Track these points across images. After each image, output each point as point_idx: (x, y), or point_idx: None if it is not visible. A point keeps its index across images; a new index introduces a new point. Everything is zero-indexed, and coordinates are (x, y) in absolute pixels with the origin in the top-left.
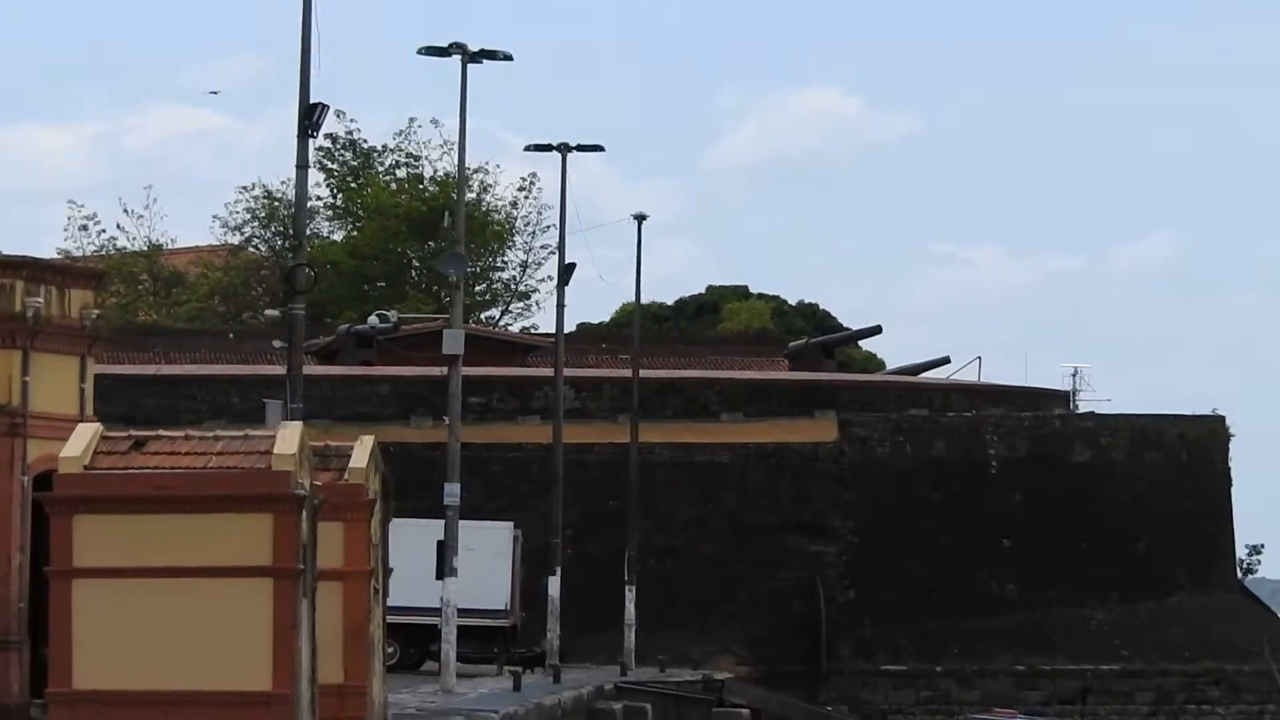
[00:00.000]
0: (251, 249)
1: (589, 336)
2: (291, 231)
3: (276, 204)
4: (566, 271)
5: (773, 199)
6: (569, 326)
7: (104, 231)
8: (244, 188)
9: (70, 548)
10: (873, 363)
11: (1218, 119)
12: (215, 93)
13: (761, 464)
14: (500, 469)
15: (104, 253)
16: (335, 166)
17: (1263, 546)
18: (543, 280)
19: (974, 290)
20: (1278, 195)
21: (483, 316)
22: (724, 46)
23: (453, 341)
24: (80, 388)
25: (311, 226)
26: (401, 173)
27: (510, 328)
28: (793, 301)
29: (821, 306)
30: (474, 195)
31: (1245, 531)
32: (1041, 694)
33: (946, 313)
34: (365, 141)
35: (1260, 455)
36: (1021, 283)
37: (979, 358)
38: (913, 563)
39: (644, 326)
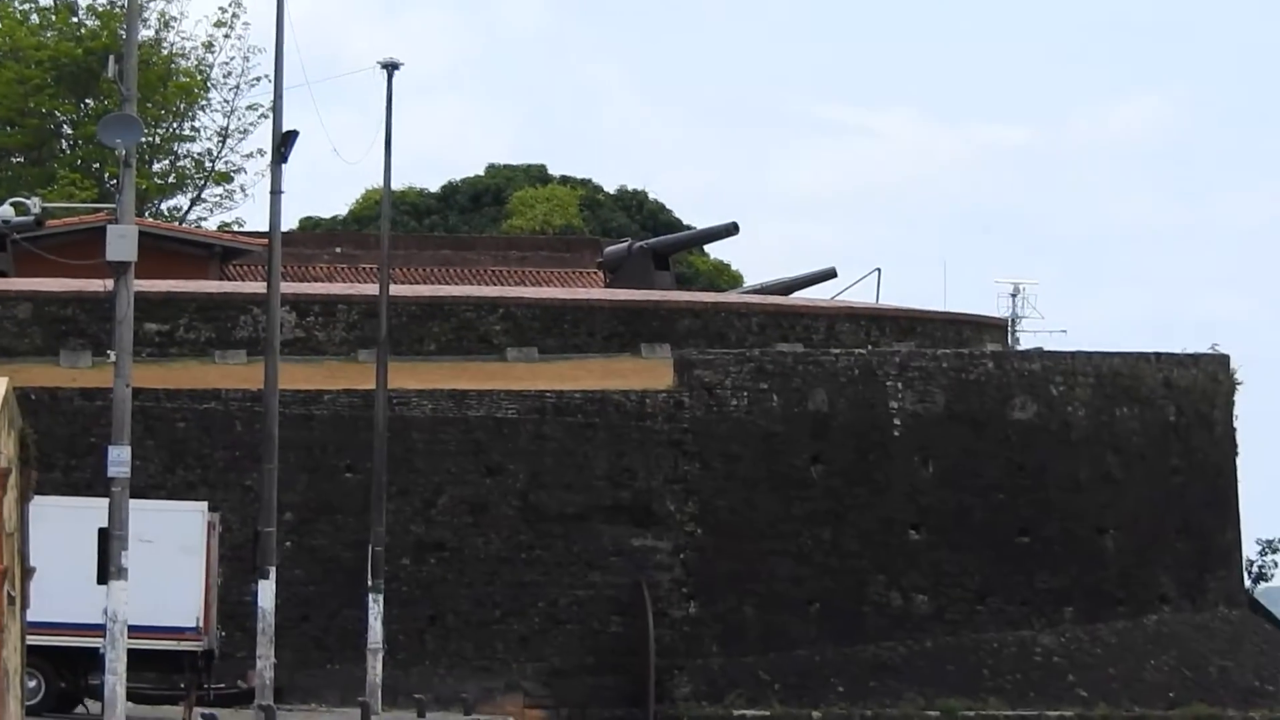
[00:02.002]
0: None
1: (319, 238)
2: None
3: None
4: (285, 141)
5: (583, 44)
6: (291, 223)
7: None
8: None
9: None
10: (726, 276)
11: None
12: None
13: (565, 422)
14: (189, 427)
15: None
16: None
17: (1278, 545)
18: (250, 156)
19: (874, 174)
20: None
21: (164, 208)
22: None
23: (121, 243)
24: None
25: None
26: (47, 1)
27: (205, 224)
28: (610, 189)
29: (652, 196)
30: (151, 33)
31: (1255, 522)
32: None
33: (833, 205)
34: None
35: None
36: (942, 163)
37: (878, 269)
38: (781, 564)
39: (398, 223)
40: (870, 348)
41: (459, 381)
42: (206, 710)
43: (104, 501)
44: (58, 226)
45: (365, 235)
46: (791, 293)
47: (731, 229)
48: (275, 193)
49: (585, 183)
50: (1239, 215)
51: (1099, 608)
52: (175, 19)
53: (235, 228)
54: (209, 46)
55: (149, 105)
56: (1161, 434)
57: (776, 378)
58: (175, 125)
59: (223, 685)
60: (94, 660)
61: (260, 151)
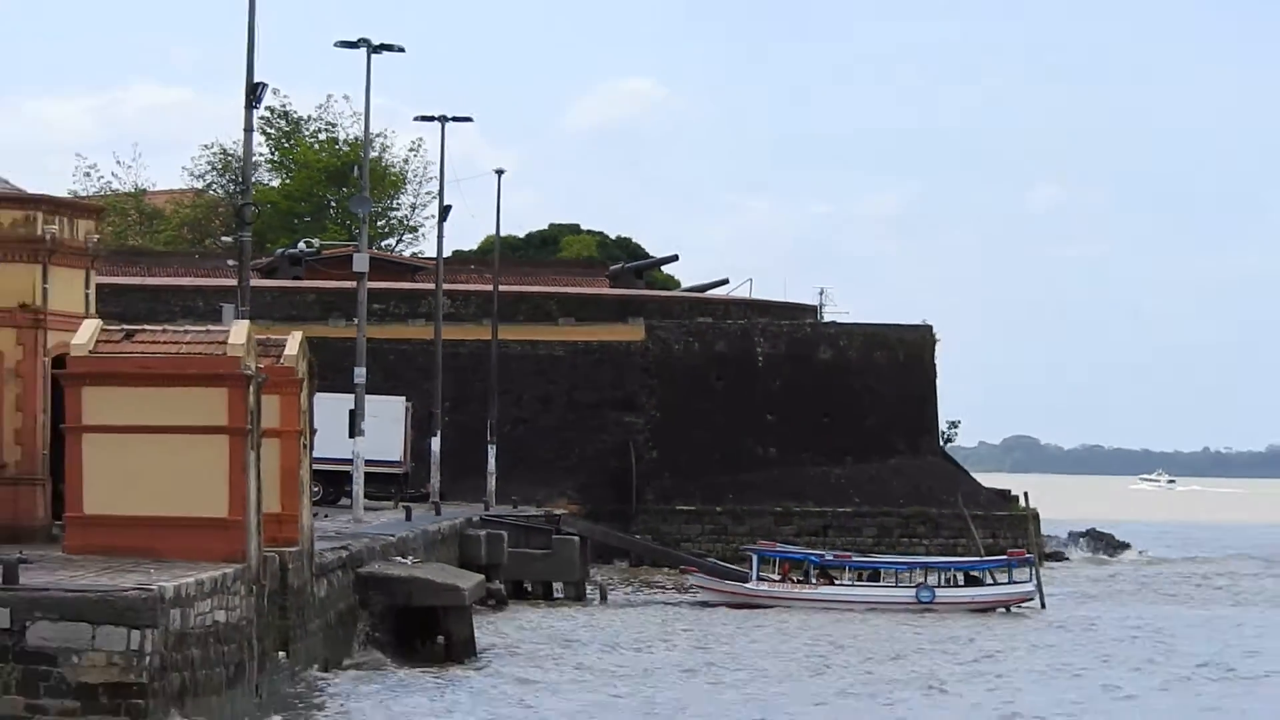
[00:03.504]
0: (211, 192)
1: (461, 260)
2: (240, 179)
3: (229, 158)
4: (445, 211)
5: (599, 159)
6: (446, 252)
7: (102, 177)
8: (205, 146)
9: (80, 411)
10: (671, 282)
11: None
12: None
13: (588, 357)
14: (395, 358)
15: (102, 193)
16: (273, 131)
17: (959, 423)
18: (427, 217)
19: (749, 229)
20: (962, 150)
21: (382, 244)
22: (560, 42)
23: (360, 262)
24: (85, 293)
25: (255, 176)
26: (322, 136)
27: (403, 253)
28: (613, 236)
29: (634, 240)
30: (376, 153)
31: (946, 411)
32: (794, 528)
33: (728, 245)
34: (295, 112)
35: (958, 356)
36: (785, 224)
37: (750, 279)
38: (699, 432)
39: (501, 253)
40: (746, 320)
41: (534, 335)
42: (405, 504)
43: (351, 396)
44: (328, 254)
45: (485, 259)
46: (705, 291)
47: (674, 258)
48: (440, 237)
49: (599, 233)
50: (939, 255)
51: (864, 455)
52: (389, 146)
53: (418, 255)
54: (406, 160)
55: (374, 191)
56: (896, 366)
57: (698, 335)
58: (388, 201)
59: (413, 491)
60: (347, 478)
61: (432, 216)
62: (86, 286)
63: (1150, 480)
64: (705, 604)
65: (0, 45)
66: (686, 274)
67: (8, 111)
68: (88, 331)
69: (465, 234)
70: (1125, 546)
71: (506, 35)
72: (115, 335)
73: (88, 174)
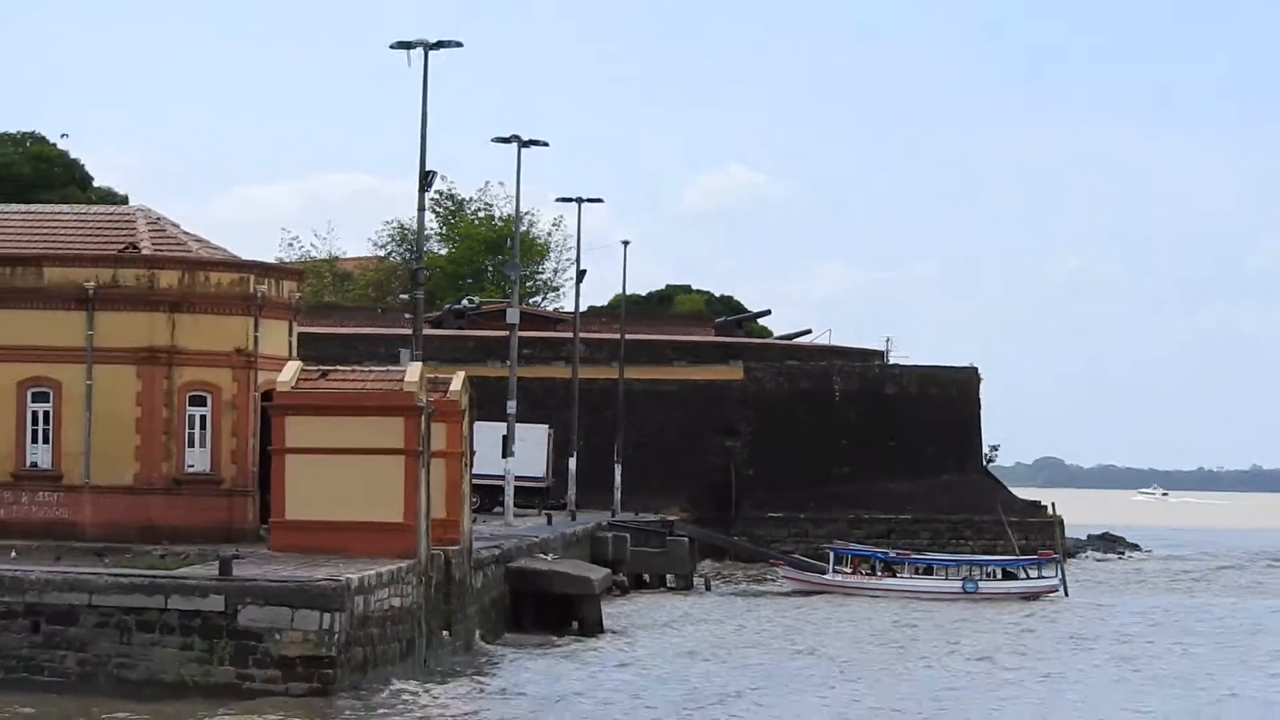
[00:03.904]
0: (391, 259)
1: (594, 314)
2: (415, 249)
3: (406, 232)
4: (581, 275)
5: (706, 231)
6: (581, 307)
7: (303, 247)
8: (387, 221)
9: (284, 435)
10: (765, 332)
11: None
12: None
13: (697, 393)
14: (540, 394)
15: (302, 260)
16: (441, 209)
17: (998, 446)
18: (566, 279)
19: (828, 289)
20: (998, 225)
21: (530, 301)
22: (675, 136)
23: (512, 315)
24: (288, 340)
25: (426, 246)
26: (481, 213)
27: (546, 308)
28: (717, 294)
29: (735, 297)
30: (525, 227)
31: (988, 437)
32: (863, 531)
33: (811, 302)
34: (459, 193)
35: (998, 391)
36: (857, 284)
37: (829, 330)
38: (787, 453)
39: (626, 308)
40: (826, 362)
41: (653, 375)
42: (547, 512)
43: (503, 424)
44: (486, 309)
45: (614, 312)
46: (793, 339)
47: (767, 312)
48: (577, 296)
49: (706, 292)
50: (980, 313)
51: (921, 473)
52: (535, 222)
53: (559, 310)
54: (549, 234)
55: (524, 258)
56: (947, 400)
57: (786, 375)
58: (535, 267)
59: (553, 502)
60: (499, 490)
61: (570, 278)
62: (289, 335)
63: (1147, 493)
64: (791, 592)
65: (223, 143)
66: (777, 325)
67: (228, 195)
68: (290, 371)
69: (597, 292)
70: (1135, 547)
71: (633, 130)
72: (313, 374)
73: (290, 245)
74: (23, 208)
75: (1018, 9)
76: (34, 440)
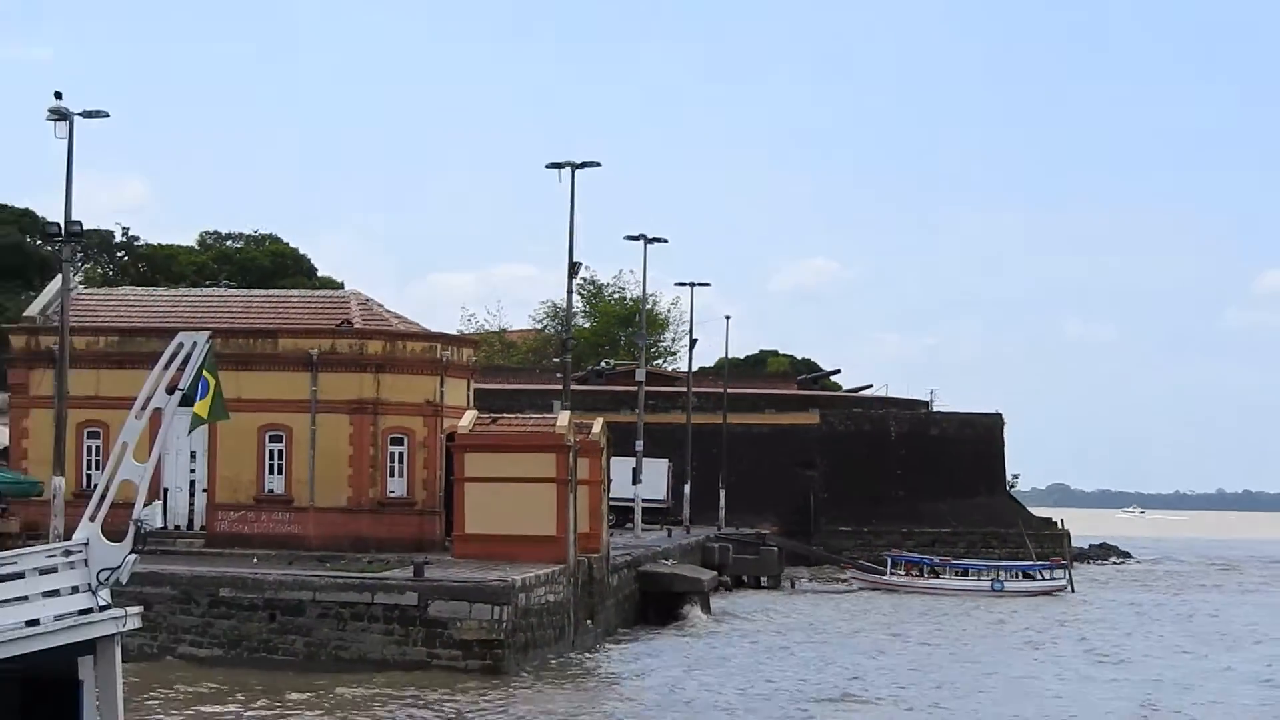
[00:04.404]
0: (546, 330)
1: (703, 373)
2: (564, 323)
3: (558, 309)
4: (693, 343)
5: (792, 307)
6: (693, 367)
7: (478, 321)
8: (543, 301)
9: (463, 468)
10: (836, 386)
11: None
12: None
13: (783, 434)
14: (661, 435)
15: (477, 332)
16: (584, 292)
17: (1019, 475)
18: (682, 346)
19: (886, 353)
20: (1016, 297)
21: (653, 363)
22: (765, 234)
23: (639, 374)
24: (467, 394)
25: (573, 321)
26: (615, 295)
27: (665, 368)
28: (799, 357)
29: (813, 359)
30: (650, 306)
31: (1010, 467)
32: (913, 542)
33: (873, 363)
34: (598, 279)
35: (1018, 431)
36: (909, 349)
37: (886, 384)
38: (853, 481)
39: (729, 368)
40: (883, 410)
41: (749, 420)
42: (668, 527)
43: (632, 458)
44: (621, 369)
45: (719, 371)
46: (858, 392)
47: (837, 371)
48: (690, 359)
49: (790, 355)
50: (1004, 370)
51: (959, 495)
52: (657, 301)
53: (676, 370)
54: (669, 311)
55: (649, 329)
56: (979, 438)
57: (853, 419)
58: (657, 336)
59: (672, 519)
60: (629, 511)
61: (685, 345)
62: (468, 390)
63: (1128, 512)
64: (858, 589)
65: (418, 240)
66: (846, 381)
67: (422, 281)
68: (469, 418)
69: (706, 356)
70: (1126, 555)
71: (736, 227)
72: (485, 421)
73: (468, 320)
74: (263, 292)
75: (1023, 108)
76: (271, 472)
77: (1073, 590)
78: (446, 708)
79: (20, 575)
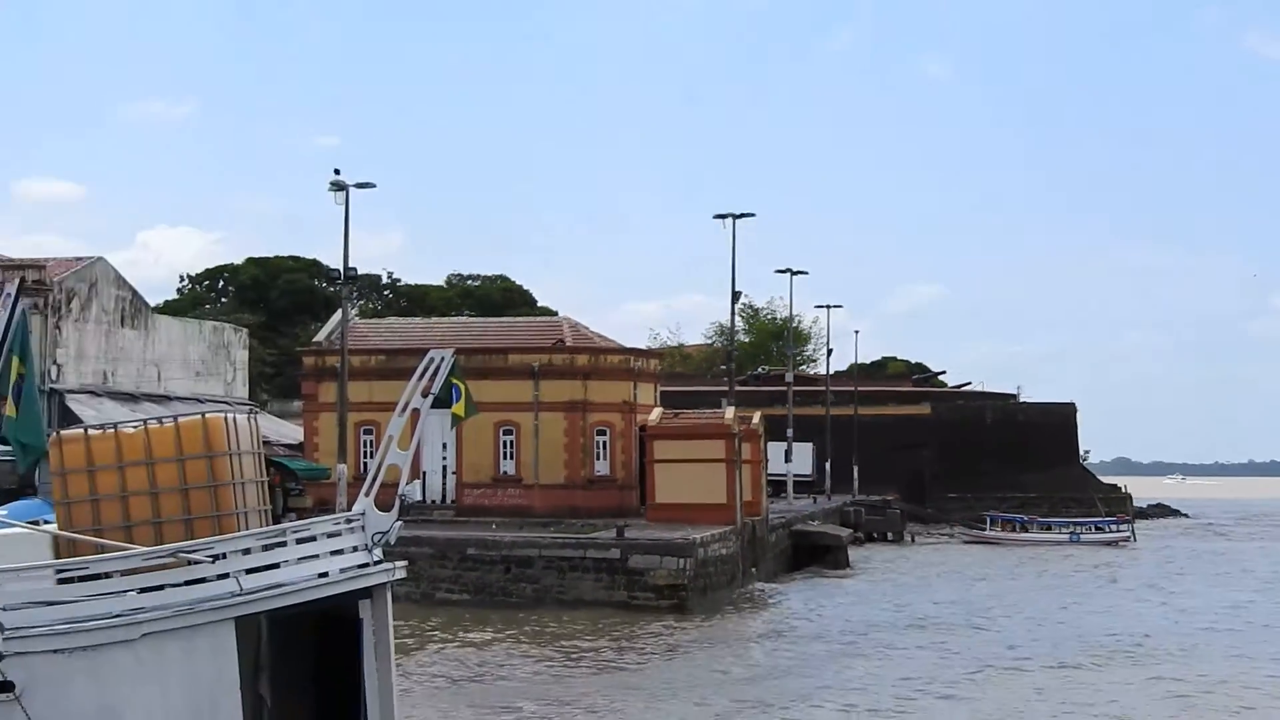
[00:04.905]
0: (715, 345)
1: (838, 375)
2: (729, 339)
3: (724, 328)
4: (829, 353)
5: (909, 323)
6: (831, 371)
7: (662, 339)
8: (712, 322)
9: (652, 452)
10: (942, 384)
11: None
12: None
13: (902, 422)
14: (807, 425)
15: (661, 346)
16: (744, 314)
17: (1089, 451)
18: (821, 354)
19: (983, 356)
20: (1083, 311)
21: (798, 369)
22: (883, 263)
23: (788, 378)
24: (654, 395)
25: (736, 336)
26: (769, 316)
27: (808, 372)
28: (913, 361)
29: (925, 363)
30: (795, 324)
31: (1082, 444)
32: (1006, 505)
33: (971, 365)
34: (755, 304)
35: (1090, 417)
36: (1000, 354)
37: (982, 381)
38: (957, 457)
39: (857, 371)
40: (980, 402)
41: (875, 412)
42: (813, 496)
43: (784, 442)
44: (774, 374)
45: (849, 375)
46: (960, 388)
47: (943, 372)
48: (828, 365)
49: (907, 360)
50: (1080, 369)
51: (1042, 468)
52: (800, 320)
53: (816, 373)
54: (810, 327)
55: (795, 342)
56: (1058, 423)
57: (956, 410)
58: (800, 349)
59: (817, 490)
60: (784, 484)
61: (823, 355)
62: (655, 392)
63: (1172, 479)
64: (964, 542)
65: (614, 275)
66: (950, 379)
67: (618, 309)
68: (656, 414)
69: (839, 362)
70: (1178, 513)
71: (863, 258)
72: (669, 415)
73: (654, 337)
74: (496, 319)
75: (1074, 165)
76: (504, 457)
77: (1135, 540)
78: (646, 635)
79: (313, 538)
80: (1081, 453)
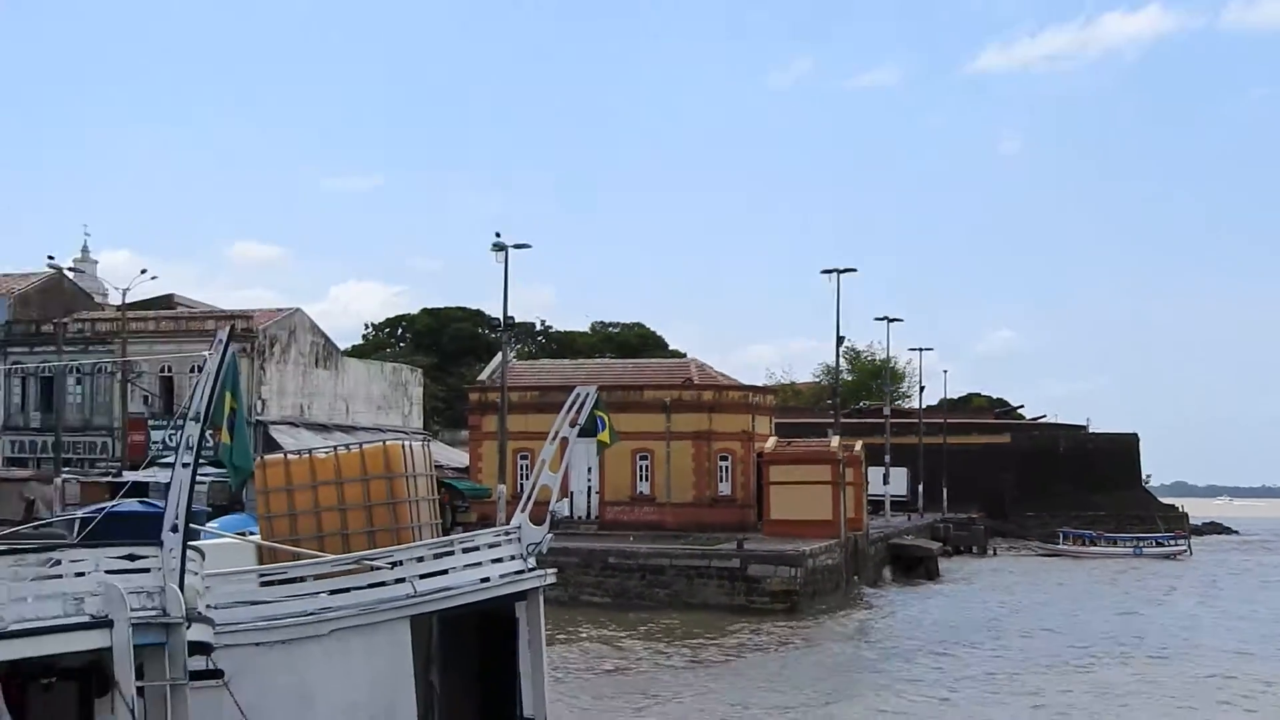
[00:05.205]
0: (822, 382)
1: (930, 409)
2: (834, 379)
3: (830, 368)
4: (921, 389)
5: (991, 362)
6: (923, 405)
7: (776, 378)
8: (820, 363)
9: (768, 475)
10: (1021, 416)
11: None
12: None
13: (986, 449)
14: (902, 452)
15: (776, 383)
16: (846, 355)
17: (1150, 475)
18: (914, 391)
19: (1057, 394)
20: (1144, 352)
21: (894, 403)
22: (967, 313)
23: (885, 410)
24: (770, 426)
25: (840, 375)
26: (868, 357)
27: (904, 406)
28: (995, 396)
29: (1005, 398)
30: (891, 364)
31: (1145, 469)
32: (1077, 522)
33: (1045, 400)
34: (858, 346)
35: (1150, 445)
36: (1074, 391)
37: (1057, 414)
38: (1034, 480)
39: (946, 406)
40: (1055, 432)
41: (961, 441)
42: (908, 514)
43: (881, 467)
44: (871, 408)
45: (940, 410)
46: (1038, 420)
47: (1021, 406)
48: (920, 399)
49: (989, 396)
50: (1143, 403)
51: (1109, 490)
52: (895, 361)
53: (910, 406)
54: (904, 367)
55: (891, 380)
56: (1123, 451)
57: (1035, 440)
58: (895, 386)
59: (910, 508)
60: (882, 503)
61: (915, 391)
62: (770, 423)
63: (1220, 500)
64: (1040, 555)
65: (737, 322)
66: (1028, 412)
67: (739, 351)
68: (771, 442)
69: (930, 397)
70: (1231, 531)
71: (950, 309)
72: (784, 443)
73: (770, 376)
74: (633, 361)
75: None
76: (640, 479)
77: (1191, 554)
78: (762, 633)
79: (476, 549)
80: (1144, 476)
